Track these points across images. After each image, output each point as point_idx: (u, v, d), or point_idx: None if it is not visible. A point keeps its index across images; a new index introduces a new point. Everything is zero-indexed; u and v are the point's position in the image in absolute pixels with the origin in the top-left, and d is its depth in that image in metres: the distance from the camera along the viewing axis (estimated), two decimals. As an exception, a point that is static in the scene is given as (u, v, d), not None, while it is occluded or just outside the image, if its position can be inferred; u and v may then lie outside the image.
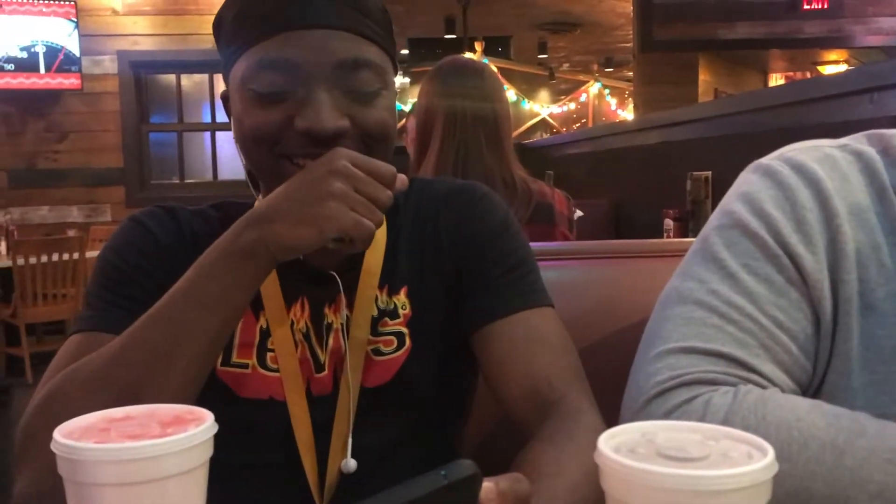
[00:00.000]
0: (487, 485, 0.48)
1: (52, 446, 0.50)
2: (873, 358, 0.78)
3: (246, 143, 0.84)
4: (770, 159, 0.87)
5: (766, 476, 0.46)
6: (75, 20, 6.13)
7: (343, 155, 0.76)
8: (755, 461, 0.47)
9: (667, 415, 0.76)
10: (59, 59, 6.15)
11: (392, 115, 0.86)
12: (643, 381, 0.79)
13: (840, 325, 0.79)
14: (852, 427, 0.69)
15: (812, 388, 0.80)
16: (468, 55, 9.28)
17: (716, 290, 0.80)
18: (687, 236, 3.04)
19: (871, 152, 0.84)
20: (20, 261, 4.91)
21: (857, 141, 0.87)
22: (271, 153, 0.82)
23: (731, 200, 0.86)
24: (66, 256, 5.08)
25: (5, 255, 5.24)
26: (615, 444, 0.50)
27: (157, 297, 0.78)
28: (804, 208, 0.81)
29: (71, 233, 5.71)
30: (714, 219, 0.87)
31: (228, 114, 0.89)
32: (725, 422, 0.72)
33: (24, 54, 6.09)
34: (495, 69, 2.34)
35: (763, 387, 0.76)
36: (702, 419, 0.73)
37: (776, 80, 10.07)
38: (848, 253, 0.79)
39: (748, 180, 0.87)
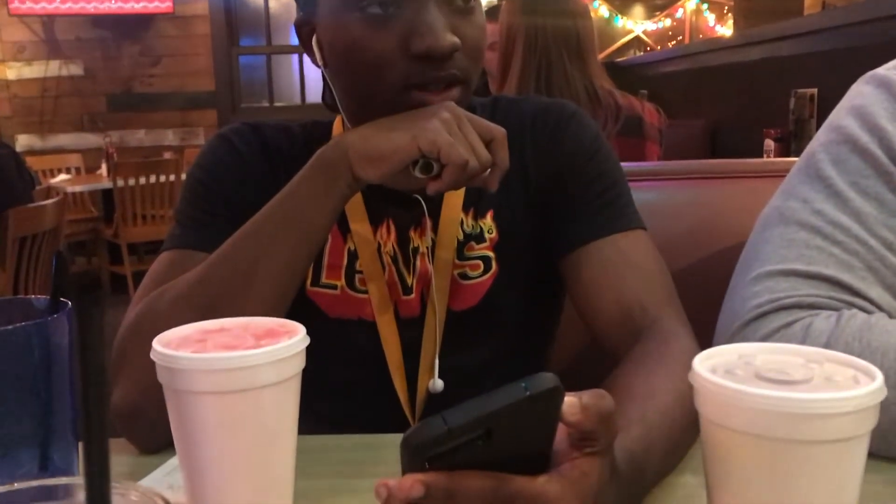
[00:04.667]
0: (570, 399, 0.47)
1: (152, 355, 0.52)
2: None
3: (356, 75, 0.80)
4: (886, 69, 0.81)
5: (873, 401, 0.44)
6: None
7: (455, 106, 0.77)
8: (862, 385, 0.45)
9: (764, 339, 0.73)
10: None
11: (484, 25, 0.84)
12: (739, 304, 0.77)
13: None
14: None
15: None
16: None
17: (820, 209, 0.76)
18: (789, 157, 2.92)
19: None
20: (120, 182, 5.10)
21: None
22: (386, 83, 0.78)
23: (841, 114, 0.81)
24: (162, 178, 5.25)
25: (106, 176, 5.45)
26: (711, 366, 0.48)
27: (243, 212, 0.80)
28: (923, 122, 0.75)
29: (167, 155, 5.88)
30: (821, 134, 0.82)
31: (304, 42, 0.86)
32: (827, 347, 0.69)
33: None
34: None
35: (869, 312, 0.73)
36: (801, 344, 0.70)
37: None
38: None
39: (860, 92, 0.81)
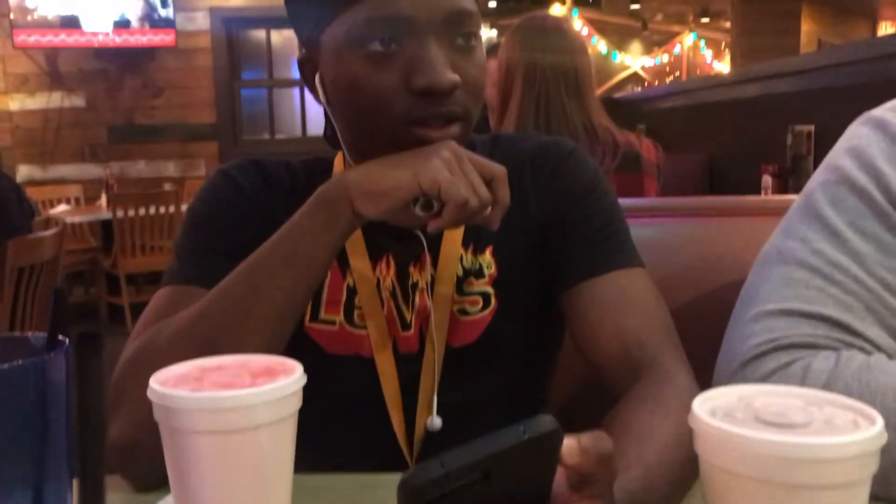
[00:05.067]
0: (569, 442, 0.47)
1: (148, 393, 0.52)
2: None
3: (358, 111, 0.81)
4: (882, 111, 0.82)
5: (873, 446, 0.43)
6: (170, -22, 6.26)
7: (455, 145, 0.77)
8: (862, 430, 0.44)
9: (763, 379, 0.73)
10: (152, 19, 6.30)
11: (484, 64, 0.84)
12: (739, 343, 0.77)
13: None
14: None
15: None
16: (557, 6, 9.08)
17: (819, 249, 0.76)
18: (786, 193, 2.93)
19: None
20: (119, 213, 5.12)
21: None
22: (388, 119, 0.79)
23: (839, 154, 0.81)
24: (162, 210, 5.26)
25: (106, 207, 5.47)
26: (710, 408, 0.48)
27: (244, 248, 0.80)
28: (919, 163, 0.76)
29: (167, 187, 5.90)
30: (819, 174, 0.82)
31: (307, 79, 0.87)
32: (826, 388, 0.69)
33: (121, 12, 6.25)
34: (580, 24, 2.39)
35: (868, 352, 0.72)
36: (800, 385, 0.70)
37: (886, 28, 9.51)
38: None
39: (858, 133, 0.82)
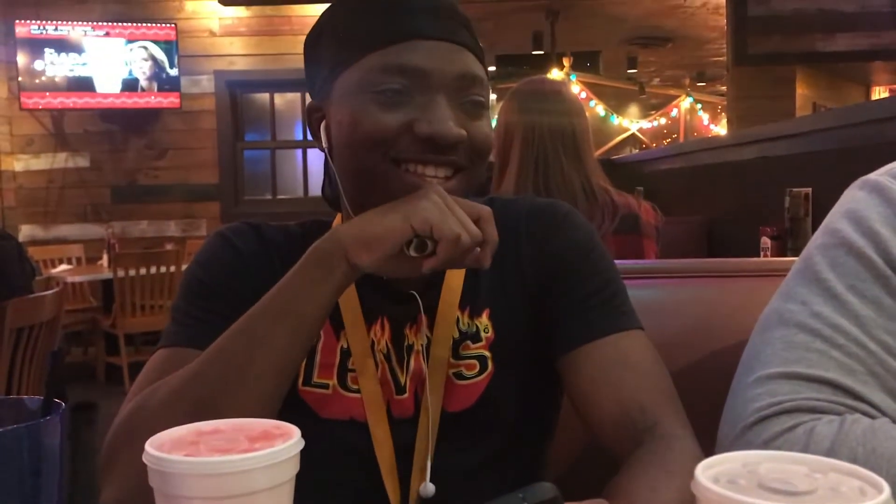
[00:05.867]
0: None
1: (144, 458, 0.51)
2: None
3: (357, 148, 0.83)
4: (878, 175, 0.83)
5: (881, 515, 0.43)
6: (175, 41, 6.38)
7: (441, 189, 0.79)
8: (868, 498, 0.44)
9: (766, 443, 0.72)
10: (159, 80, 6.41)
11: (491, 132, 0.87)
12: (741, 407, 0.76)
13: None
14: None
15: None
16: (555, 71, 9.24)
17: (819, 312, 0.76)
18: (785, 255, 2.93)
19: None
20: (120, 273, 5.12)
21: None
22: (385, 157, 0.82)
23: (836, 218, 0.82)
24: (163, 269, 5.27)
25: (107, 267, 5.47)
26: (714, 474, 0.47)
27: (240, 312, 0.80)
28: (916, 227, 0.76)
29: (168, 246, 5.92)
30: (818, 237, 0.82)
31: (313, 127, 0.90)
32: (831, 453, 0.68)
33: (127, 75, 6.36)
34: (578, 87, 2.42)
35: (872, 416, 0.72)
36: (804, 449, 0.69)
37: (879, 93, 9.66)
38: None
39: (854, 197, 0.82)
